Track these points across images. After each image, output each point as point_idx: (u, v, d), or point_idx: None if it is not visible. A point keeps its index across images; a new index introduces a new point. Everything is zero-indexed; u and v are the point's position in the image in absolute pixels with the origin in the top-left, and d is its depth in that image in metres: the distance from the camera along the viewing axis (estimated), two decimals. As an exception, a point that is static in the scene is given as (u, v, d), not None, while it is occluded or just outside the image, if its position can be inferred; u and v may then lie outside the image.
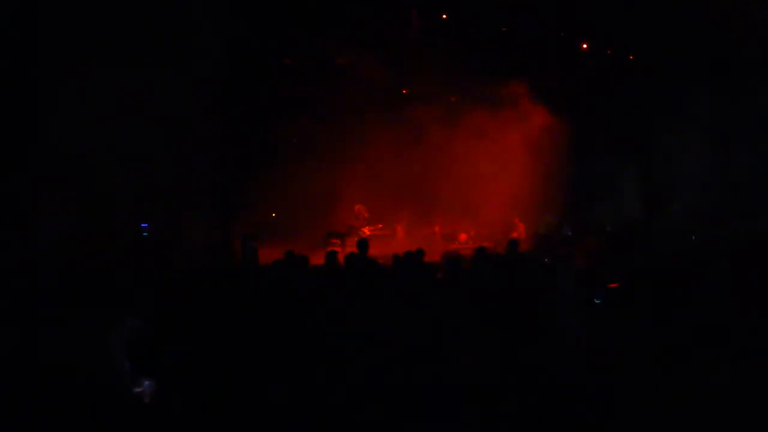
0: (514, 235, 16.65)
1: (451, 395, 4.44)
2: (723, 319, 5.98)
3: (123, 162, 11.07)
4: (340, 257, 10.80)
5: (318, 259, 11.82)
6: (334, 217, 17.66)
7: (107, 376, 4.59)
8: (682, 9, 13.86)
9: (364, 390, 4.57)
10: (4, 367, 4.46)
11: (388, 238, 17.52)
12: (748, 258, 8.98)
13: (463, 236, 17.83)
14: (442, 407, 4.33)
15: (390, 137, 17.11)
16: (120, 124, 11.03)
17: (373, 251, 11.10)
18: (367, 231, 17.13)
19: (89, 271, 7.86)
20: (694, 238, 13.91)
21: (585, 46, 16.38)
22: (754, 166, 15.78)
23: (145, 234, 11.86)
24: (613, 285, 7.55)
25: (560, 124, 17.81)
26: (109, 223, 10.80)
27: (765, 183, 15.49)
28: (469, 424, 4.23)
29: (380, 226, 17.89)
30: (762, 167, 15.70)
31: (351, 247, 14.15)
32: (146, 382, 4.81)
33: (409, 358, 4.90)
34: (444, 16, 15.05)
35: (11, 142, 10.20)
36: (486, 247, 10.81)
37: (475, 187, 17.29)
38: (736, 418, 4.27)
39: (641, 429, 4.34)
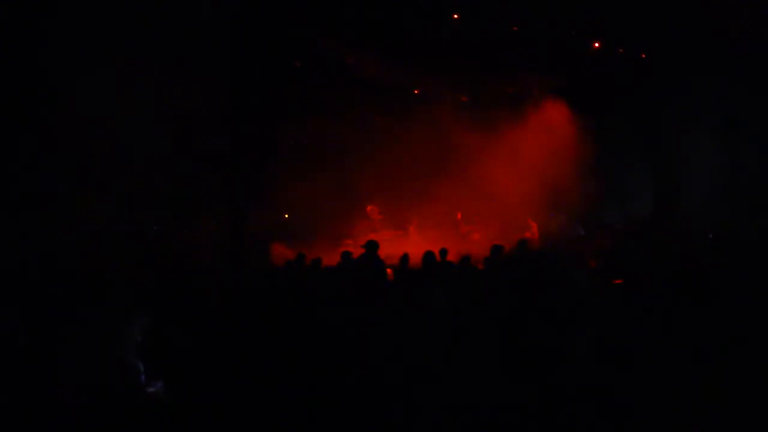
0: (527, 234, 16.65)
1: (458, 393, 4.45)
2: (735, 318, 5.95)
3: (134, 163, 11.13)
4: (354, 258, 10.86)
5: (331, 259, 11.89)
6: (347, 218, 17.70)
7: (120, 376, 4.63)
8: (693, 7, 13.79)
9: (373, 389, 4.60)
10: (18, 368, 4.52)
11: (401, 238, 17.52)
12: (759, 256, 8.93)
13: (476, 236, 17.81)
14: (448, 406, 4.35)
15: (402, 138, 17.16)
16: (130, 125, 11.09)
17: (387, 251, 11.14)
18: (385, 234, 17.14)
19: (101, 271, 7.92)
20: (711, 236, 13.85)
21: (597, 45, 16.32)
22: (765, 165, 15.70)
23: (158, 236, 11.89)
24: (618, 281, 7.52)
25: (571, 123, 17.79)
26: (120, 223, 10.85)
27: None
28: (476, 422, 4.24)
29: (379, 227, 17.89)
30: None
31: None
32: (159, 382, 4.85)
33: (417, 358, 4.92)
34: (455, 16, 15.02)
35: (22, 141, 10.27)
36: (501, 245, 10.81)
37: (488, 187, 17.26)
38: (747, 418, 4.25)
39: (651, 429, 4.33)
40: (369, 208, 18.06)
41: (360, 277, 8.97)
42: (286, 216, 17.42)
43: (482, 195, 17.35)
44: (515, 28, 15.38)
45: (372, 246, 10.39)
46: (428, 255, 9.91)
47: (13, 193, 10.13)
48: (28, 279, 7.22)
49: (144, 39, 11.28)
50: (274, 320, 5.49)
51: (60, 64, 10.70)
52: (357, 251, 11.97)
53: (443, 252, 10.87)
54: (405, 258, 10.79)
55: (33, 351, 4.70)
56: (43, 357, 4.62)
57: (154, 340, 4.96)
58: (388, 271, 10.25)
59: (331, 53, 15.82)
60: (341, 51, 15.99)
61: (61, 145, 10.54)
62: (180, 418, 4.62)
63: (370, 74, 16.72)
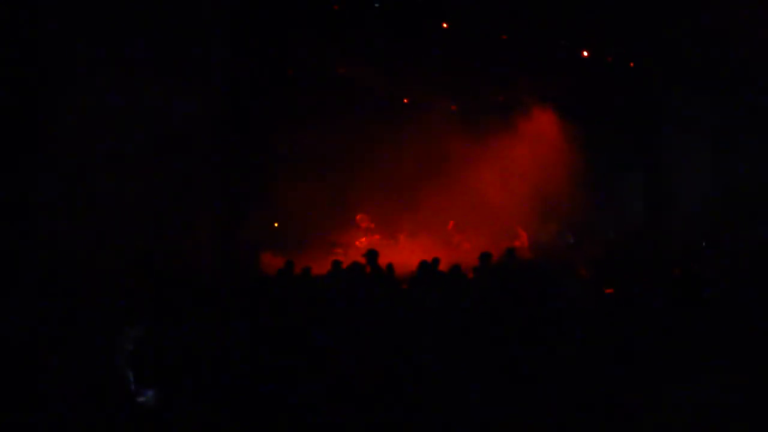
0: (517, 243, 16.66)
1: (452, 398, 4.45)
2: (727, 325, 5.97)
3: (126, 169, 11.09)
4: (343, 267, 10.84)
5: (320, 268, 11.86)
6: (337, 227, 17.68)
7: (110, 384, 4.60)
8: (683, 15, 13.87)
9: (367, 395, 4.59)
10: (9, 377, 4.48)
11: (390, 247, 17.47)
12: (749, 265, 9.00)
13: (467, 245, 17.81)
14: (443, 409, 4.34)
15: (393, 146, 17.17)
16: (124, 131, 11.06)
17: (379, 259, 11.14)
18: (363, 242, 17.13)
19: (92, 280, 7.87)
20: (704, 245, 13.92)
21: (586, 53, 16.37)
22: (757, 173, 15.80)
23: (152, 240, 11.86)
24: (609, 290, 7.58)
25: (562, 131, 17.84)
26: (112, 231, 10.80)
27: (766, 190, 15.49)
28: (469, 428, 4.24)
29: (377, 237, 17.87)
30: (764, 174, 15.70)
31: (354, 256, 14.15)
32: (149, 391, 4.81)
33: (409, 365, 4.92)
34: (444, 25, 15.04)
35: (18, 146, 10.23)
36: (490, 253, 10.85)
37: (479, 196, 17.29)
38: (741, 422, 4.26)
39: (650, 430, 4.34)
40: (359, 216, 18.05)
41: (352, 285, 8.98)
42: (276, 225, 17.36)
43: (473, 204, 17.38)
44: (504, 37, 15.42)
45: (372, 255, 10.47)
46: (424, 264, 9.96)
47: (12, 193, 10.08)
48: (26, 280, 7.19)
49: (143, 40, 11.27)
50: (267, 327, 5.49)
51: (60, 65, 10.67)
52: (347, 260, 11.96)
53: (435, 261, 10.90)
54: (390, 267, 10.84)
55: (29, 353, 4.67)
56: (39, 360, 4.59)
57: (145, 349, 4.93)
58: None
59: (323, 62, 15.82)
60: (334, 60, 15.99)
61: (61, 146, 10.51)
62: (170, 427, 4.59)
63: (362, 82, 16.75)
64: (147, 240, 11.08)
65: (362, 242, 17.09)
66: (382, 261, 11.11)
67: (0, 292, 6.19)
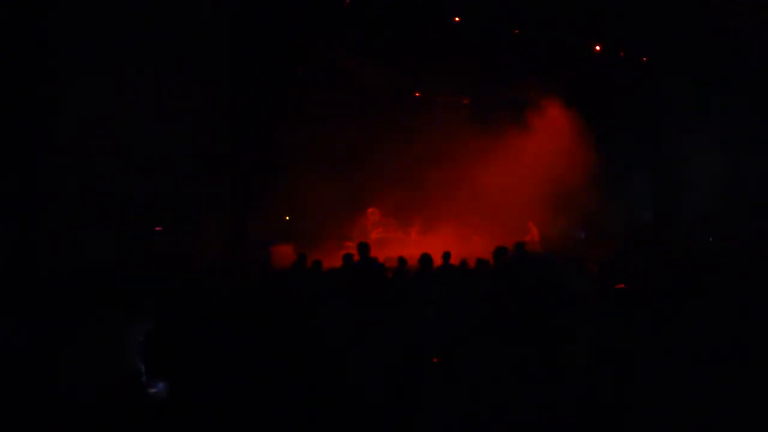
0: (527, 238, 16.66)
1: (456, 396, 4.47)
2: (736, 322, 5.96)
3: (136, 165, 11.15)
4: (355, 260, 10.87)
5: (332, 261, 11.89)
6: (349, 220, 17.73)
7: (122, 377, 4.65)
8: (693, 11, 13.81)
9: (374, 393, 4.61)
10: (20, 369, 4.53)
11: (401, 241, 17.52)
12: (759, 260, 8.94)
13: (477, 239, 17.82)
14: (446, 408, 4.36)
15: (404, 141, 17.17)
16: (132, 128, 11.11)
17: (389, 253, 11.13)
18: (373, 235, 17.21)
19: (103, 273, 7.93)
20: (711, 239, 13.88)
21: (598, 48, 16.30)
22: (765, 168, 15.72)
23: (159, 237, 11.90)
24: (620, 285, 7.53)
25: (572, 128, 17.78)
26: (122, 226, 10.86)
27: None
28: (474, 426, 4.25)
29: (380, 229, 17.94)
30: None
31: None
32: (160, 384, 4.86)
33: (415, 360, 4.94)
34: (456, 19, 15.01)
35: (23, 144, 10.29)
36: (505, 247, 10.80)
37: (490, 191, 17.27)
38: (747, 420, 4.26)
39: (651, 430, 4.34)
40: (370, 210, 18.14)
41: (356, 279, 8.99)
42: (288, 218, 17.42)
43: (484, 198, 17.37)
44: (516, 32, 15.40)
45: (363, 248, 10.43)
46: (425, 257, 9.92)
47: (13, 193, 10.15)
48: (29, 280, 7.24)
49: (144, 39, 11.30)
50: (275, 321, 5.50)
51: (60, 65, 10.72)
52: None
53: (446, 255, 10.88)
54: (401, 260, 10.83)
55: (34, 352, 4.72)
56: (45, 359, 4.64)
57: (156, 342, 4.97)
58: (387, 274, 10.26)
59: (330, 59, 15.82)
60: (342, 57, 15.98)
61: (61, 145, 10.56)
62: (181, 419, 4.63)
63: (373, 78, 16.75)
64: (152, 235, 11.14)
65: (377, 234, 17.24)
66: (394, 254, 11.11)
67: (6, 291, 6.24)
